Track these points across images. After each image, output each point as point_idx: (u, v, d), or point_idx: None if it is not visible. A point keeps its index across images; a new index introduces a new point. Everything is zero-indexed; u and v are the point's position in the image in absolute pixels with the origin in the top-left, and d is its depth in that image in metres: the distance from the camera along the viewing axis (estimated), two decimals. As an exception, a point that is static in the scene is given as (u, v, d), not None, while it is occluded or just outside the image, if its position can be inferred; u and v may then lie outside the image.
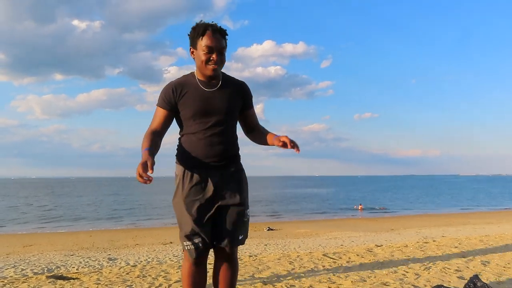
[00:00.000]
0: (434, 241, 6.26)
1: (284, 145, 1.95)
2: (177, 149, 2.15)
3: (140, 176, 1.71)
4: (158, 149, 2.00)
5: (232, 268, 2.15)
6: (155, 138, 2.00)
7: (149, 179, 1.74)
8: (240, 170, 2.17)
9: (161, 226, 17.88)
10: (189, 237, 2.03)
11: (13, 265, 5.62)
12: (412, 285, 3.22)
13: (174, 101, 2.05)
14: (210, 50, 1.97)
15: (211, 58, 1.98)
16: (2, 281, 3.70)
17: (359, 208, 26.82)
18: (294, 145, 1.94)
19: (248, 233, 2.19)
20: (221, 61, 2.03)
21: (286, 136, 1.97)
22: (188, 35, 2.06)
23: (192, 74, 2.11)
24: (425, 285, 3.20)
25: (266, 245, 8.34)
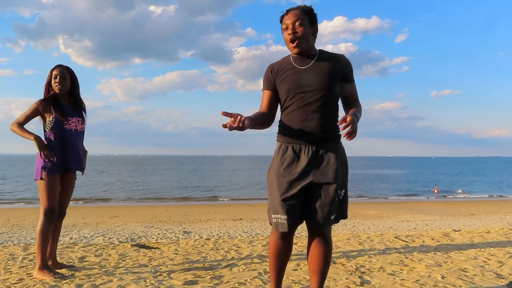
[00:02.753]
0: (521, 228, 5.78)
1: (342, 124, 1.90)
2: (278, 126, 2.22)
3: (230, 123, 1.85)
4: (259, 120, 2.09)
5: (323, 246, 2.11)
6: (258, 114, 2.13)
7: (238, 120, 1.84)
8: (337, 147, 2.11)
9: (230, 203, 18.51)
10: (275, 210, 2.07)
11: (102, 234, 6.21)
12: (495, 273, 3.03)
13: (273, 80, 2.17)
14: (286, 27, 2.08)
15: (288, 33, 2.07)
16: (94, 247, 4.12)
17: (435, 190, 25.44)
18: (346, 128, 1.88)
19: (346, 213, 2.14)
20: (299, 34, 2.06)
21: (350, 117, 1.88)
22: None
23: (289, 55, 2.21)
24: (510, 274, 2.99)
25: (334, 225, 8.30)
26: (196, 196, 22.19)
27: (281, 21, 2.14)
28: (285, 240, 2.13)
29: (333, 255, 3.65)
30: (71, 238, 5.38)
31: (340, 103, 2.18)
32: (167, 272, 3.01)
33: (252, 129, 2.08)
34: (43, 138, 2.98)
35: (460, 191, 26.24)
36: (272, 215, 2.08)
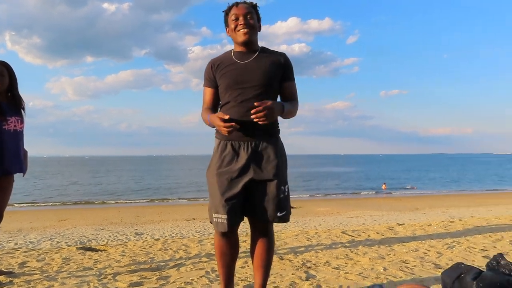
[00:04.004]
0: (460, 220, 6.16)
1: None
2: None
3: (225, 127, 1.91)
4: None
5: (267, 243, 2.12)
6: (211, 112, 2.14)
7: (232, 125, 1.91)
8: (276, 143, 2.10)
9: (185, 203, 18.28)
10: (217, 210, 2.05)
11: (49, 238, 5.91)
12: (433, 264, 3.20)
13: (213, 76, 2.14)
14: (236, 17, 2.08)
15: (239, 24, 2.07)
16: (37, 252, 3.91)
17: (383, 187, 26.53)
18: (257, 111, 1.87)
19: (290, 209, 2.16)
20: (250, 24, 2.07)
21: (270, 102, 1.89)
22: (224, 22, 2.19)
23: (230, 50, 2.20)
24: (447, 264, 3.17)
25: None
26: (149, 197, 21.70)
27: (226, 13, 2.14)
28: (229, 239, 2.12)
29: (280, 252, 3.71)
30: (16, 244, 5.10)
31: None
32: (112, 275, 2.93)
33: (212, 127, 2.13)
34: None
35: (409, 186, 27.55)
36: (213, 214, 2.06)
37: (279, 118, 2.11)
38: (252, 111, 1.87)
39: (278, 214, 2.06)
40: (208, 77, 2.17)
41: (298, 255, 3.52)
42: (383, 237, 4.51)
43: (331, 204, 16.12)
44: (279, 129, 2.17)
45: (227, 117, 1.93)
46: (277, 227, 7.15)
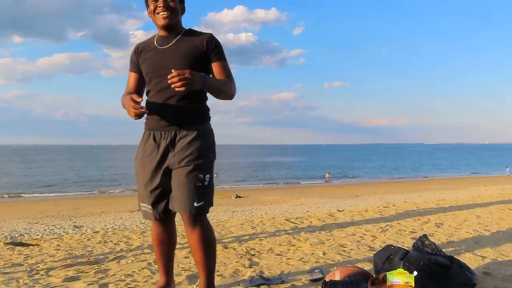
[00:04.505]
0: (393, 205, 6.53)
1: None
2: None
3: (134, 108, 1.79)
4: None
5: (197, 236, 1.96)
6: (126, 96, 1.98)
7: (142, 108, 1.81)
8: (198, 132, 1.97)
9: (128, 194, 17.76)
10: (143, 199, 2.03)
11: (-29, 234, 5.47)
12: (368, 246, 3.37)
13: (137, 60, 2.05)
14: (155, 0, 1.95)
15: (158, 6, 1.94)
16: (-43, 249, 3.60)
17: (327, 176, 27.49)
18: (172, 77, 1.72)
19: (212, 201, 2.02)
20: (170, 7, 1.94)
21: (188, 71, 1.73)
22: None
23: (155, 34, 2.07)
24: (380, 246, 3.35)
25: (233, 211, 8.47)
26: (90, 189, 20.81)
27: None
28: (163, 227, 2.08)
29: (225, 240, 3.71)
30: None
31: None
32: (45, 270, 2.76)
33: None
34: None
35: (351, 176, 28.78)
36: (140, 203, 2.05)
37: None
38: (168, 76, 1.73)
39: (195, 204, 1.92)
40: (132, 61, 2.09)
41: (242, 243, 3.54)
42: (324, 223, 4.66)
43: (278, 193, 16.44)
44: (204, 116, 2.04)
45: (139, 99, 1.83)
46: (224, 217, 7.17)
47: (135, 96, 1.84)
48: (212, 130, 2.08)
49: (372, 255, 2.63)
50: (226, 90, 1.97)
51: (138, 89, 2.08)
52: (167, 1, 1.93)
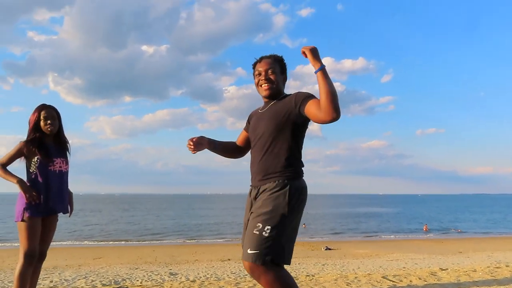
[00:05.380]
0: (507, 266, 5.78)
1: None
2: None
3: (189, 140, 2.17)
4: (222, 146, 2.40)
5: (258, 282, 1.98)
6: (226, 142, 2.43)
7: (189, 145, 2.16)
8: (278, 187, 2.05)
9: (219, 242, 18.18)
10: None
11: (84, 276, 6.02)
12: (480, 313, 3.02)
13: (248, 122, 2.39)
14: (259, 73, 2.23)
15: (260, 80, 2.22)
16: (74, 291, 3.99)
17: (424, 228, 25.40)
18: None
19: (279, 256, 1.98)
20: (269, 80, 2.20)
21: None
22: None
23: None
24: (495, 314, 2.98)
25: (323, 265, 8.18)
26: (184, 236, 21.77)
27: (254, 67, 2.29)
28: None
29: (319, 296, 3.60)
30: (51, 281, 5.21)
31: (296, 141, 2.17)
32: (149, 316, 2.93)
33: (220, 155, 2.38)
34: (25, 178, 2.93)
35: (452, 229, 26.17)
36: None
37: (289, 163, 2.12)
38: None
39: (248, 251, 1.97)
40: (247, 121, 2.41)
41: (336, 301, 3.40)
42: (426, 283, 4.29)
43: (370, 246, 15.56)
44: (289, 174, 2.09)
45: (194, 139, 2.18)
46: (315, 269, 6.95)
47: (194, 138, 2.18)
48: (295, 186, 2.08)
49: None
50: (333, 91, 1.92)
51: (242, 143, 2.42)
52: (268, 74, 2.20)
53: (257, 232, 1.99)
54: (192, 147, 2.17)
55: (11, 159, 2.94)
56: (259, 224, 2.00)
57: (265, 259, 1.95)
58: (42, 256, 3.02)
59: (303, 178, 2.17)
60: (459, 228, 26.76)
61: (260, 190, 2.11)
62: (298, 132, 2.14)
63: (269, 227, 1.98)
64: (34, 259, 2.86)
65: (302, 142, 2.19)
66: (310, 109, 2.01)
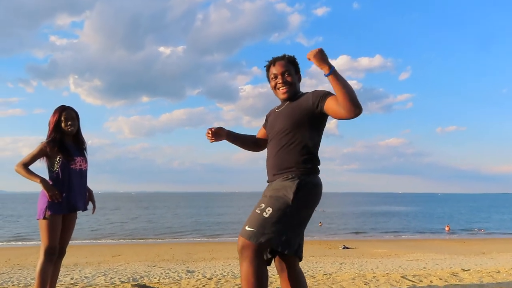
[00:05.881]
0: (533, 267, 5.60)
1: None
2: None
3: (208, 133, 2.27)
4: (241, 138, 2.44)
5: (242, 267, 1.98)
6: (245, 135, 2.47)
7: (208, 133, 2.26)
8: (288, 178, 2.06)
9: (236, 241, 18.22)
10: None
11: (103, 273, 6.11)
12: (505, 315, 2.91)
13: (266, 121, 2.40)
14: (274, 76, 2.22)
15: (277, 83, 2.21)
16: (95, 287, 4.04)
17: (446, 228, 24.91)
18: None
19: (274, 239, 1.95)
20: (287, 82, 2.19)
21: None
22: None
23: None
24: (521, 316, 2.87)
25: (341, 264, 8.09)
26: (201, 234, 21.91)
27: (267, 70, 2.28)
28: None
29: (337, 296, 3.54)
30: (72, 278, 5.30)
31: (312, 138, 2.16)
32: (165, 314, 2.93)
33: (238, 146, 2.43)
34: (47, 177, 2.99)
35: (475, 229, 25.54)
36: None
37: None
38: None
39: (246, 228, 1.99)
40: (265, 120, 2.43)
41: (354, 301, 3.34)
42: (446, 283, 4.18)
43: (389, 245, 15.35)
44: (301, 170, 2.09)
45: (213, 129, 2.27)
46: (332, 268, 6.88)
47: (216, 127, 2.28)
48: (308, 180, 2.07)
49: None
50: (349, 90, 1.90)
51: (260, 138, 2.45)
52: (284, 77, 2.20)
53: (259, 211, 2.02)
54: (210, 135, 2.25)
55: (34, 159, 2.98)
56: (262, 204, 2.04)
57: (260, 239, 1.95)
58: (62, 253, 3.07)
59: (319, 176, 2.16)
60: (482, 228, 26.14)
61: (273, 183, 2.15)
62: (316, 129, 2.15)
63: (270, 209, 2.00)
64: (54, 256, 2.90)
65: (319, 140, 2.19)
66: (330, 105, 2.01)
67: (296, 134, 2.12)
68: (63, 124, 3.05)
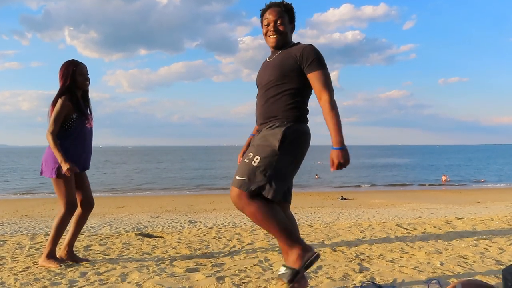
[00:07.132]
0: (525, 215, 5.76)
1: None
2: None
3: None
4: None
5: (246, 213, 2.07)
6: None
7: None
8: (275, 126, 2.10)
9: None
10: None
11: (108, 224, 6.30)
12: (494, 260, 3.04)
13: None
14: (267, 22, 2.20)
15: (269, 30, 2.19)
16: (99, 236, 4.19)
17: (443, 179, 25.31)
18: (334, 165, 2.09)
19: (264, 186, 2.01)
20: (278, 31, 2.17)
21: (334, 168, 2.10)
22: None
23: None
24: (510, 261, 3.01)
25: (339, 214, 8.32)
26: (202, 186, 22.33)
27: (262, 14, 2.24)
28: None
29: (333, 243, 3.68)
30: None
31: (303, 89, 2.19)
32: (169, 260, 3.07)
33: None
34: (59, 135, 2.85)
35: (474, 180, 25.91)
36: None
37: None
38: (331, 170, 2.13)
39: (237, 177, 2.06)
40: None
41: (351, 247, 3.48)
42: (440, 231, 4.33)
43: (386, 196, 15.69)
44: (289, 118, 2.12)
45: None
46: (330, 218, 7.09)
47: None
48: (294, 128, 2.12)
49: (500, 270, 2.38)
50: (336, 117, 2.08)
51: None
52: (276, 25, 2.17)
53: (247, 161, 2.08)
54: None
55: (59, 121, 2.82)
56: (250, 153, 2.10)
57: (250, 187, 2.02)
58: (91, 205, 3.09)
59: (307, 125, 2.21)
60: (482, 178, 26.50)
61: (262, 131, 2.19)
62: (304, 81, 2.14)
63: (258, 157, 2.06)
64: (75, 208, 2.95)
65: (309, 92, 2.19)
66: (312, 82, 2.10)
67: (285, 84, 2.13)
68: (79, 79, 2.95)
